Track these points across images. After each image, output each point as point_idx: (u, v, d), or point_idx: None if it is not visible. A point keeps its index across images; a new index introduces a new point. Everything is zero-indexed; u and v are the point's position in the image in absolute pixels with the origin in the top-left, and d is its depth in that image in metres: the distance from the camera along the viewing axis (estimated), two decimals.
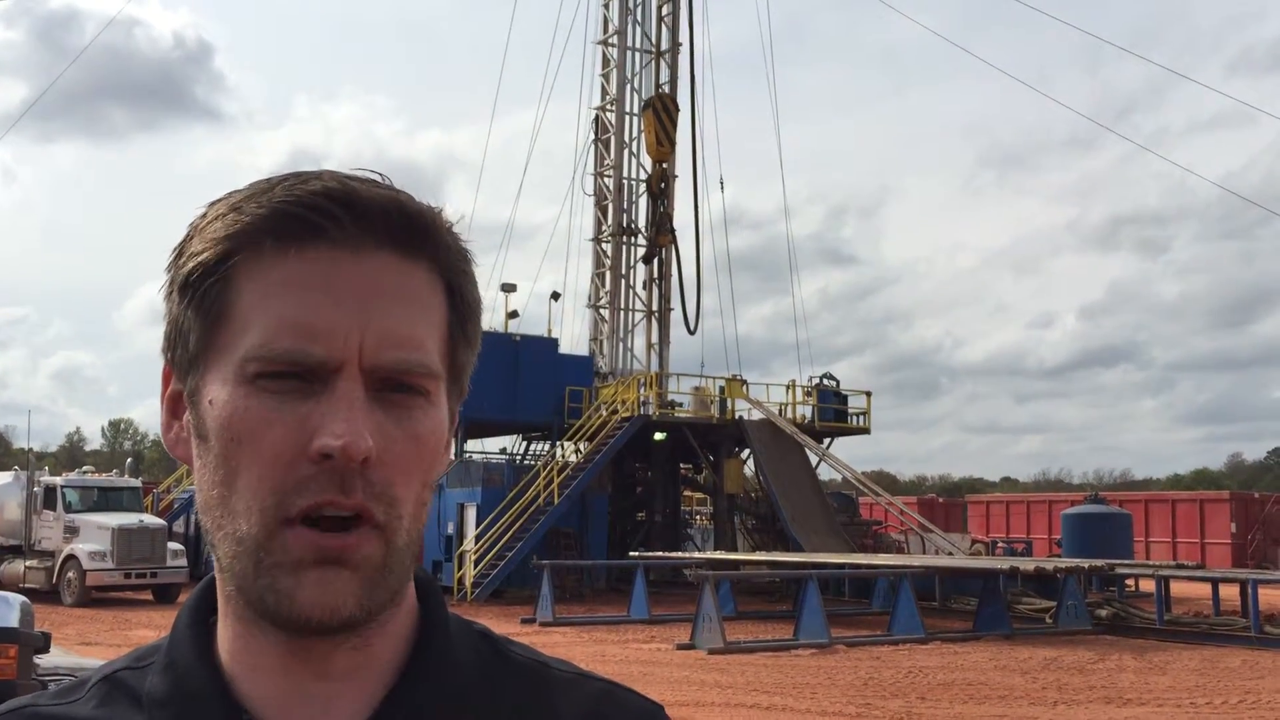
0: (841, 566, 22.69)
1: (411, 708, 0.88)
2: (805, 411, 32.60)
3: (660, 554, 27.20)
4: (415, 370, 0.85)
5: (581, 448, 29.76)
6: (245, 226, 0.85)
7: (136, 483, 28.26)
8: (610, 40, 34.72)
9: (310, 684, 0.87)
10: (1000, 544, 33.74)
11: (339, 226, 0.84)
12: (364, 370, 0.84)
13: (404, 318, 0.85)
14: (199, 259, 0.86)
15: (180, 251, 0.89)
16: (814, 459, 31.05)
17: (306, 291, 0.83)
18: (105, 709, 0.89)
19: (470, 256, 0.91)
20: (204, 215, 0.89)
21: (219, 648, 0.90)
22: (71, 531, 24.74)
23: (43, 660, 7.39)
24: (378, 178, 0.88)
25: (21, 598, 7.30)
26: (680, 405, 31.83)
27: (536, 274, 56.27)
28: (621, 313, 34.34)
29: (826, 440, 32.72)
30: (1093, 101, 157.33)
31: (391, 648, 0.90)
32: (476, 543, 26.60)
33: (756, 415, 31.45)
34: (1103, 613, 21.25)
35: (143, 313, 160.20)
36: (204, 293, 0.86)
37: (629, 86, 34.56)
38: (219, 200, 0.89)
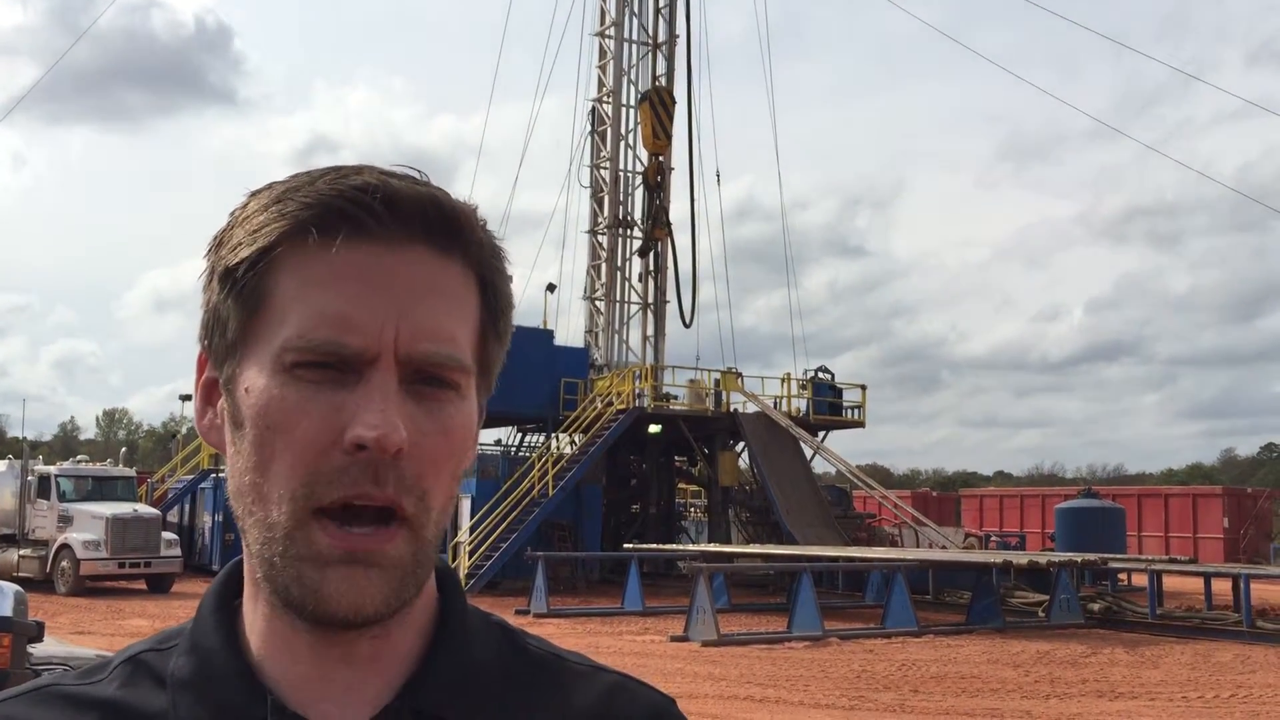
0: (835, 560, 22.72)
1: (430, 695, 0.90)
2: (800, 405, 32.61)
3: (654, 546, 27.24)
4: (447, 363, 0.87)
5: (576, 440, 29.75)
6: (288, 219, 0.86)
7: (131, 472, 28.23)
8: (607, 32, 34.63)
9: (335, 669, 0.88)
10: (994, 538, 33.77)
11: (378, 222, 0.86)
12: (398, 362, 0.85)
13: (438, 312, 0.87)
14: (241, 250, 0.87)
15: (221, 241, 0.90)
16: (809, 452, 31.07)
17: (344, 284, 0.85)
18: (128, 690, 0.90)
19: (503, 253, 0.93)
20: (245, 205, 0.90)
21: (245, 630, 0.91)
22: (65, 521, 24.71)
23: (36, 649, 7.38)
24: (415, 174, 0.90)
25: (15, 587, 7.31)
26: (675, 398, 31.84)
27: (533, 263, 56.02)
28: (617, 305, 34.30)
29: (821, 433, 32.68)
30: (1117, 91, 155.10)
31: (412, 636, 0.92)
32: (471, 534, 26.64)
33: (752, 408, 31.47)
34: (1095, 607, 21.31)
35: (146, 301, 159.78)
36: (244, 282, 0.87)
37: (626, 79, 34.51)
38: (260, 190, 0.90)
